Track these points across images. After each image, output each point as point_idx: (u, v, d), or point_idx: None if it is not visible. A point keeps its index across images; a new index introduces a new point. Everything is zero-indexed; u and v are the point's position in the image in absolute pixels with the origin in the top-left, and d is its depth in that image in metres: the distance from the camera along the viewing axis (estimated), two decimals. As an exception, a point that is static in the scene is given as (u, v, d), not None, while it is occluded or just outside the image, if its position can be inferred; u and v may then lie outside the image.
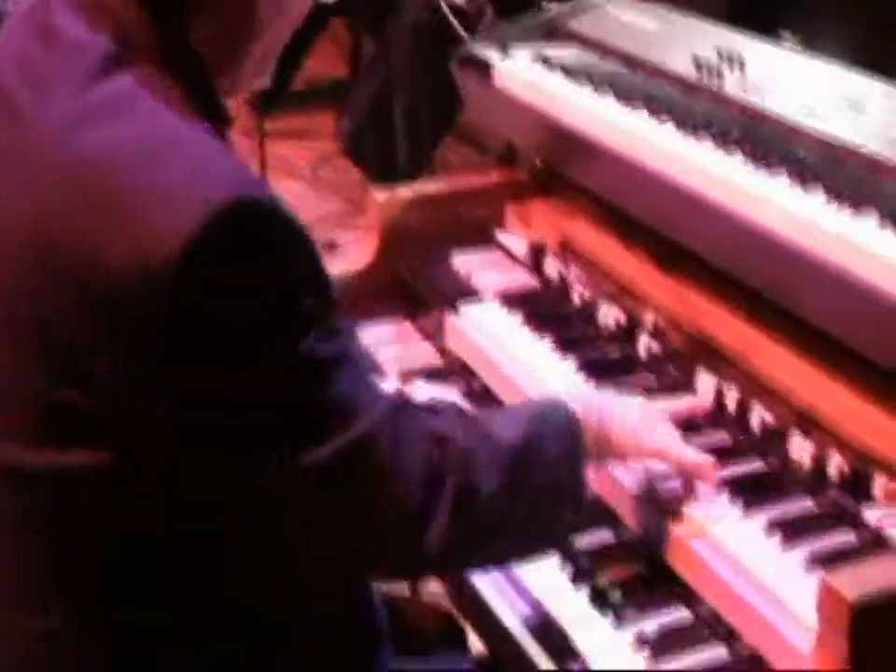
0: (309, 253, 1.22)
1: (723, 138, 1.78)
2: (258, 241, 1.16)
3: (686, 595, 1.46)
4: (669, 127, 1.85)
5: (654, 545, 1.50)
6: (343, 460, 1.22)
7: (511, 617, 1.52)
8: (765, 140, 1.78)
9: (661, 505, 1.50)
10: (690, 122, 1.86)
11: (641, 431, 1.48)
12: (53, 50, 1.21)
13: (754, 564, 1.37)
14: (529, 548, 1.45)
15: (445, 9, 4.22)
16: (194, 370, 1.16)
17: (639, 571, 1.53)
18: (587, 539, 1.59)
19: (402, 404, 1.34)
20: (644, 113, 1.91)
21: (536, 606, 1.52)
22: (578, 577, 1.53)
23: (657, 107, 1.92)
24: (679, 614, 1.46)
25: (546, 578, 1.55)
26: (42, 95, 1.20)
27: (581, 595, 1.50)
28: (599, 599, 1.48)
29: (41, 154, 1.18)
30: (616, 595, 1.48)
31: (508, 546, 1.42)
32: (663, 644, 1.40)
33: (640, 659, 1.38)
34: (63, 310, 1.16)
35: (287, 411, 1.20)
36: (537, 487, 1.38)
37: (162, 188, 1.13)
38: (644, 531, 1.53)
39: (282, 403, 1.20)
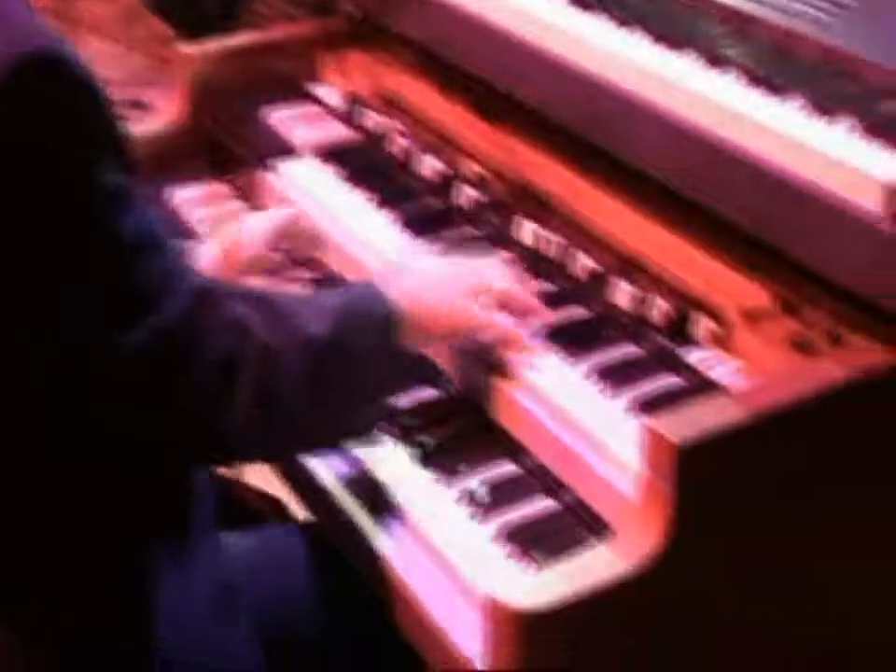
0: (108, 116, 1.13)
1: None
2: (52, 100, 1.08)
3: (513, 449, 1.39)
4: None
5: (476, 398, 1.44)
6: (143, 346, 1.16)
7: (329, 476, 1.43)
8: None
9: (481, 356, 1.44)
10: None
11: (453, 302, 1.41)
12: None
13: (578, 412, 1.32)
14: (343, 436, 1.39)
15: None
16: None
17: (464, 427, 1.45)
18: (409, 397, 1.50)
19: (207, 290, 1.25)
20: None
21: (355, 464, 1.43)
22: (401, 436, 1.44)
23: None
24: (506, 468, 1.39)
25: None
26: None
27: (404, 454, 1.42)
28: (423, 457, 1.41)
29: None
30: (439, 452, 1.41)
31: (319, 436, 1.37)
32: (491, 499, 1.33)
33: (465, 514, 1.32)
34: None
35: (84, 295, 1.13)
36: (347, 381, 1.32)
37: None
38: (465, 384, 1.47)
39: (79, 287, 1.13)
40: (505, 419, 1.40)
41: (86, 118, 1.11)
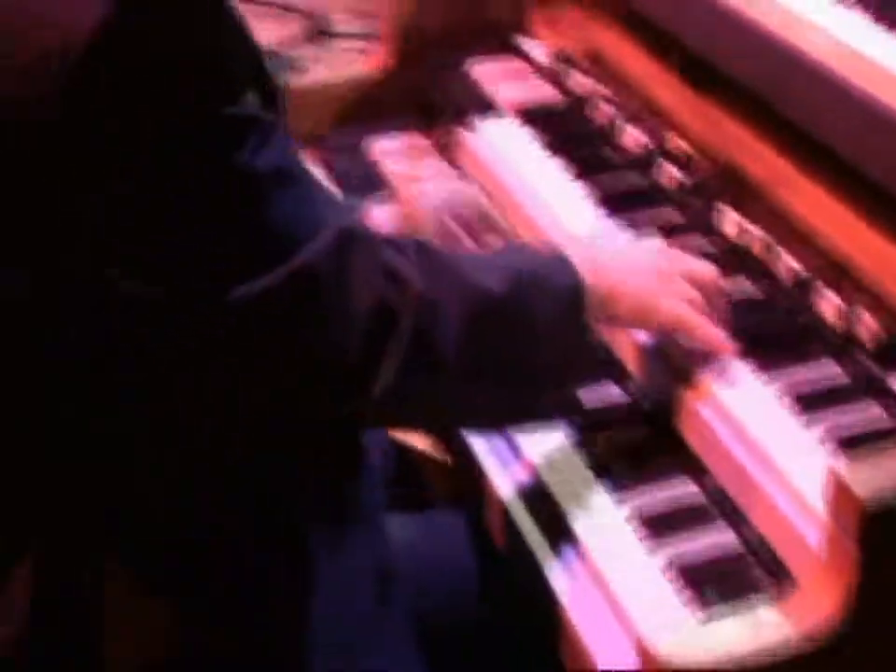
0: (241, 35, 1.02)
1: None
2: (173, 18, 0.96)
3: (695, 468, 1.25)
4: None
5: (661, 406, 1.31)
6: (277, 295, 1.02)
7: (505, 484, 1.31)
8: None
9: (671, 361, 1.31)
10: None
11: (656, 295, 1.26)
12: None
13: (765, 436, 1.18)
14: (508, 417, 1.26)
15: None
16: (107, 179, 0.97)
17: (645, 435, 1.32)
18: (589, 394, 1.37)
19: (356, 233, 1.10)
20: None
21: (529, 470, 1.31)
22: (577, 440, 1.31)
23: None
24: (686, 488, 1.24)
25: (543, 439, 1.33)
26: None
27: (579, 460, 1.29)
28: (598, 467, 1.28)
29: None
30: (617, 463, 1.28)
31: (476, 409, 1.23)
32: (663, 522, 1.20)
33: (636, 538, 1.19)
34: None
35: (213, 234, 1.00)
36: (518, 347, 1.18)
37: None
38: (650, 389, 1.34)
39: (208, 226, 1.00)
40: (687, 432, 1.27)
41: (215, 47, 0.99)
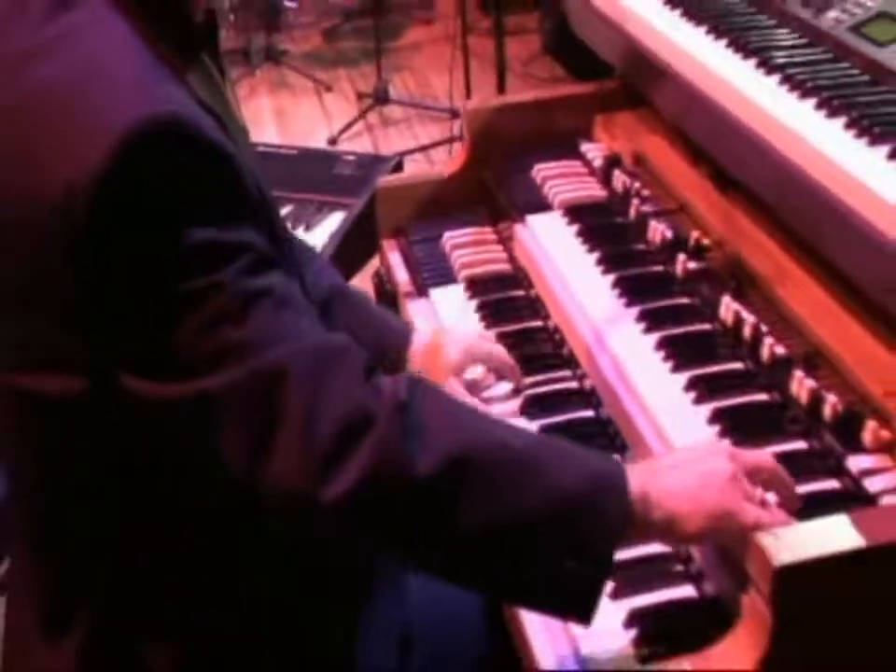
0: (234, 180, 1.04)
1: (768, 59, 1.53)
2: (172, 164, 1.00)
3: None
4: (724, 50, 1.60)
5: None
6: (249, 388, 1.01)
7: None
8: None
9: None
10: (748, 44, 1.61)
11: (728, 512, 1.05)
12: None
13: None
14: (488, 575, 1.07)
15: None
16: (111, 292, 1.02)
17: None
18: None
19: (340, 348, 1.06)
20: (703, 33, 1.65)
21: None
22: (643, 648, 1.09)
23: (721, 30, 1.67)
24: None
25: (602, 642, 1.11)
26: (2, 30, 1.09)
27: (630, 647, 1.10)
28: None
29: None
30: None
31: (447, 552, 1.06)
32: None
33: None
34: (11, 236, 1.05)
35: (194, 339, 1.01)
36: (517, 510, 1.02)
37: (89, 112, 1.00)
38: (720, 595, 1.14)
39: (191, 330, 1.01)
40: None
41: (204, 179, 1.02)
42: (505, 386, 1.56)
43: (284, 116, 4.85)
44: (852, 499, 1.15)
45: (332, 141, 4.53)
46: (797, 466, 1.20)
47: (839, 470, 1.19)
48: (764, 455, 1.15)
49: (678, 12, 1.80)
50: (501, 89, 2.78)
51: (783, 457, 1.21)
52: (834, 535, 0.99)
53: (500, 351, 1.55)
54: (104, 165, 0.97)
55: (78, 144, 0.99)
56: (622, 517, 1.03)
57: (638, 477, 1.06)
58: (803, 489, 1.17)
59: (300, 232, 2.21)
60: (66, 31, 1.05)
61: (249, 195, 1.07)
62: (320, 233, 2.17)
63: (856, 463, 1.19)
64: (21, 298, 1.07)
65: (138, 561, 1.16)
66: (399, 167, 2.39)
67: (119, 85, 1.01)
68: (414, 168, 4.07)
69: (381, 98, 4.71)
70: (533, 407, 1.50)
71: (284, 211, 2.26)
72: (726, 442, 1.22)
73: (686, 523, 1.05)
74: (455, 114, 4.32)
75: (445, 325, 1.70)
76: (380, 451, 1.01)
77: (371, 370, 1.07)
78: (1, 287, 1.09)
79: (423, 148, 4.38)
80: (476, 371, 1.56)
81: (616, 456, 1.32)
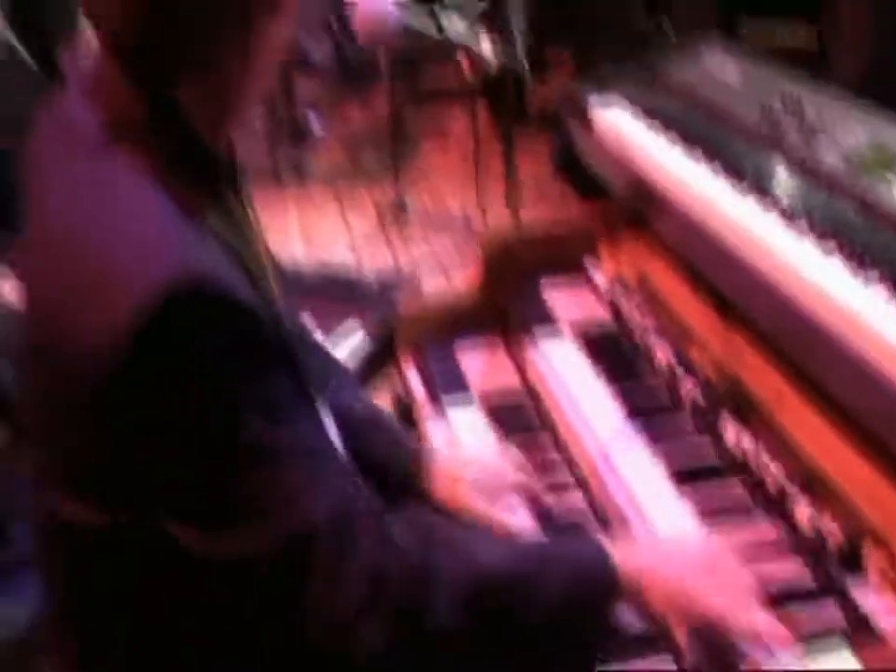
0: (254, 336, 1.05)
1: (766, 195, 1.57)
2: (199, 324, 1.01)
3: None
4: (724, 183, 1.65)
5: None
6: (276, 555, 1.04)
7: None
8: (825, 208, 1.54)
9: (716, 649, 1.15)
10: (749, 180, 1.65)
11: (695, 585, 1.13)
12: (57, 130, 1.13)
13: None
14: None
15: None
16: (144, 443, 1.04)
17: None
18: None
19: (355, 507, 1.09)
20: (703, 166, 1.70)
21: None
22: None
23: (718, 160, 1.71)
24: None
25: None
26: (43, 175, 1.13)
27: None
28: None
29: (36, 235, 1.12)
30: None
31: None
32: None
33: None
34: (51, 380, 1.08)
35: (222, 495, 1.04)
36: (519, 625, 1.09)
37: (115, 274, 1.01)
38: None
39: (218, 486, 1.04)
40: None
41: (231, 343, 1.03)
42: (519, 499, 1.56)
43: (308, 229, 4.94)
44: (853, 628, 1.14)
45: (353, 252, 4.60)
46: (799, 594, 1.21)
47: (840, 597, 1.19)
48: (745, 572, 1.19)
49: (679, 146, 1.85)
50: (514, 210, 2.84)
51: (785, 588, 1.21)
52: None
53: (515, 467, 1.56)
54: (129, 328, 0.99)
55: (105, 306, 1.01)
56: (611, 609, 1.12)
57: (628, 563, 1.13)
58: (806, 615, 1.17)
59: (320, 347, 2.25)
60: (95, 181, 1.07)
61: (273, 345, 1.08)
62: (341, 350, 2.20)
63: (857, 591, 1.19)
64: (69, 431, 1.09)
65: (162, 618, 1.16)
66: (416, 285, 2.43)
67: (146, 246, 1.03)
68: (430, 279, 4.14)
69: (399, 211, 4.81)
70: (545, 520, 1.50)
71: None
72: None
73: (649, 588, 1.13)
74: (469, 227, 4.40)
75: (461, 440, 1.72)
76: (398, 613, 1.07)
77: (388, 522, 1.11)
78: (53, 418, 1.10)
79: (438, 259, 4.45)
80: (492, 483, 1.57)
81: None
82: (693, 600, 1.13)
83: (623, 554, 1.14)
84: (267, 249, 1.32)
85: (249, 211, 1.28)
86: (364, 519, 1.09)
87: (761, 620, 1.13)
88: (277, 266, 1.35)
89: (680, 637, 1.17)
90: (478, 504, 1.50)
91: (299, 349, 1.18)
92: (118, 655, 1.19)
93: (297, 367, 1.14)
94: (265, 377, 1.06)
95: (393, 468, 1.50)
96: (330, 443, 1.15)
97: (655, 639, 1.20)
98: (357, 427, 1.50)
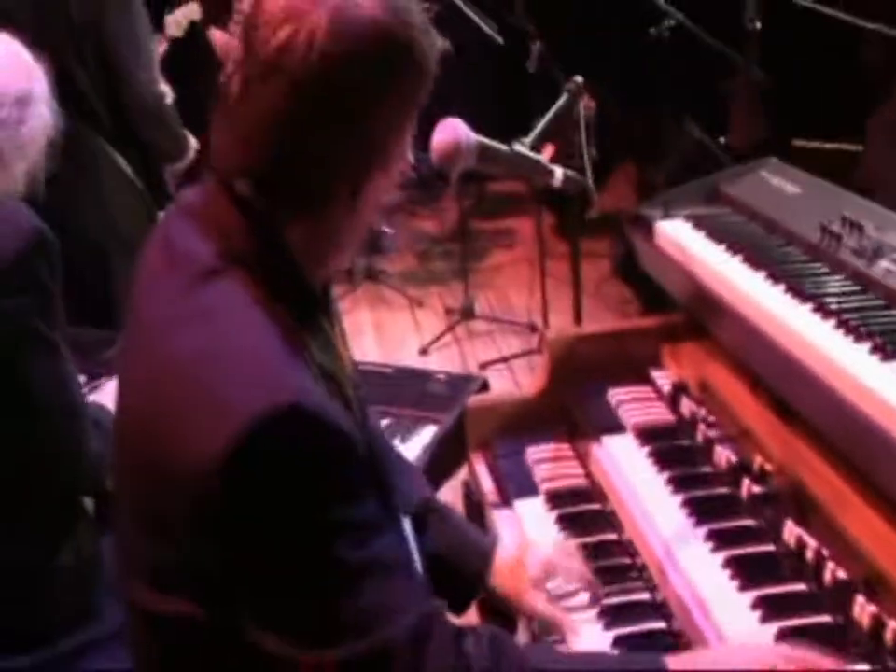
0: (347, 460, 1.10)
1: (823, 306, 1.61)
2: (291, 446, 1.06)
3: None
4: (783, 294, 1.70)
5: None
6: (358, 666, 1.08)
7: None
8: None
9: None
10: (805, 289, 1.70)
11: None
12: (166, 258, 1.20)
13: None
14: None
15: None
16: (233, 557, 1.09)
17: None
18: None
19: (435, 622, 1.14)
20: (763, 277, 1.75)
21: None
22: None
23: (777, 272, 1.76)
24: None
25: None
26: (152, 298, 1.19)
27: None
28: None
29: (144, 350, 1.18)
30: None
31: None
32: None
33: None
34: (151, 483, 1.13)
35: (310, 607, 1.09)
36: None
37: (215, 394, 1.08)
38: None
39: (306, 599, 1.09)
40: None
41: (327, 464, 1.08)
42: (583, 597, 1.59)
43: (381, 328, 5.04)
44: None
45: (423, 351, 4.68)
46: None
47: (901, 695, 1.19)
48: (823, 659, 1.20)
49: (738, 258, 1.90)
50: (577, 314, 2.89)
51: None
52: None
53: (579, 566, 1.59)
54: (229, 450, 1.04)
55: (207, 426, 1.06)
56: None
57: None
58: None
59: (395, 444, 2.29)
60: (206, 304, 1.13)
61: (364, 469, 1.12)
62: (414, 446, 2.25)
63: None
64: (168, 538, 1.13)
65: None
66: (485, 386, 2.49)
67: (252, 370, 1.08)
68: (497, 377, 4.19)
69: (467, 313, 4.90)
70: (609, 617, 1.53)
71: (381, 424, 2.35)
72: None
73: None
74: (533, 328, 4.48)
75: (527, 537, 1.75)
76: None
77: (461, 635, 1.15)
78: (155, 517, 1.14)
79: (504, 360, 4.51)
80: (557, 582, 1.60)
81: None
82: None
83: (680, 662, 1.16)
84: (353, 363, 1.37)
85: (338, 328, 1.33)
86: (440, 634, 1.13)
87: None
88: (358, 375, 1.40)
89: None
90: (540, 602, 1.53)
91: (387, 466, 1.23)
92: None
93: (386, 486, 1.18)
94: (358, 499, 1.10)
95: (463, 565, 1.53)
96: (411, 559, 1.19)
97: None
98: (430, 521, 1.55)
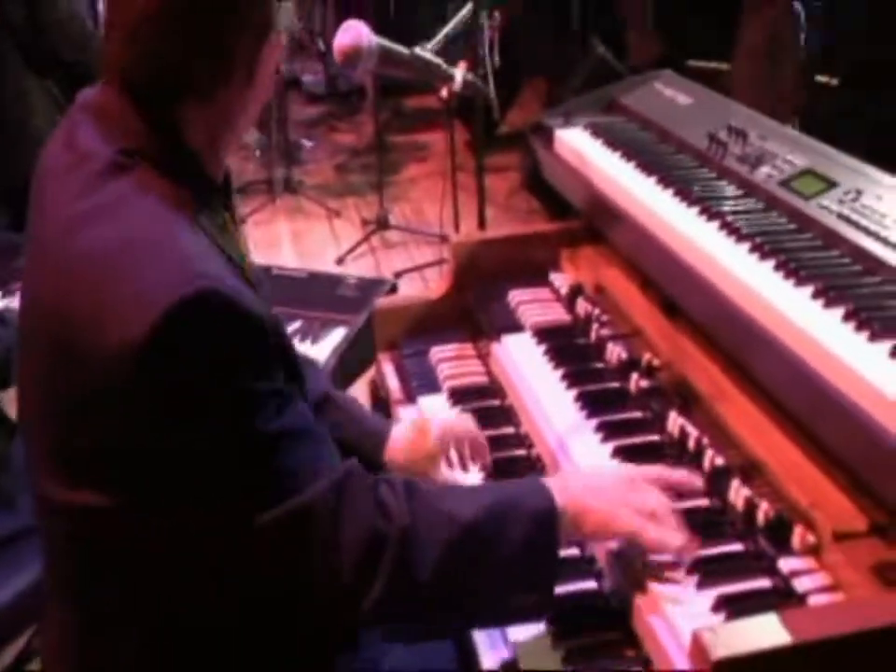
0: (260, 340, 1.08)
1: (709, 207, 1.57)
2: (210, 329, 1.04)
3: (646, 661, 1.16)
4: (672, 198, 1.65)
5: (623, 606, 1.22)
6: (281, 529, 1.07)
7: (491, 659, 1.25)
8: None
9: (631, 570, 1.23)
10: (692, 194, 1.66)
11: (615, 513, 1.20)
12: (71, 156, 1.14)
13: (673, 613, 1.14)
14: (485, 622, 1.22)
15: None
16: (154, 435, 1.06)
17: (613, 631, 1.21)
18: (572, 587, 1.27)
19: (351, 478, 1.13)
20: (653, 182, 1.70)
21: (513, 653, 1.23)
22: (559, 634, 1.21)
23: (666, 177, 1.71)
24: None
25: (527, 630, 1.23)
26: (56, 195, 1.14)
27: (552, 653, 1.20)
28: (565, 658, 1.19)
29: (50, 245, 1.12)
30: (582, 656, 1.18)
31: (458, 619, 1.19)
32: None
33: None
34: (67, 374, 1.08)
35: (232, 478, 1.07)
36: (489, 569, 1.14)
37: (133, 283, 1.04)
38: (615, 591, 1.26)
39: (228, 472, 1.07)
40: (641, 634, 1.19)
41: (241, 346, 1.06)
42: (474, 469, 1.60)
43: (299, 238, 4.92)
44: (783, 597, 1.15)
45: (340, 260, 4.59)
46: (733, 566, 1.21)
47: (771, 571, 1.19)
48: (672, 471, 1.29)
49: (632, 164, 1.86)
50: (482, 221, 2.83)
51: (720, 559, 1.22)
52: (765, 632, 0.98)
53: (475, 429, 1.59)
54: (148, 334, 1.01)
55: (126, 313, 1.03)
56: (555, 546, 1.17)
57: (563, 498, 1.19)
58: (739, 587, 1.17)
59: (307, 345, 2.23)
60: (112, 198, 1.08)
61: (274, 346, 1.11)
62: (324, 347, 2.19)
63: (786, 564, 1.19)
64: (82, 425, 1.09)
65: (161, 601, 1.16)
66: (394, 289, 2.42)
67: (161, 258, 1.05)
68: (410, 286, 4.12)
69: (382, 224, 4.81)
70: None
71: (293, 326, 2.28)
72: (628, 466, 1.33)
73: (581, 520, 1.19)
74: (444, 239, 4.40)
75: (424, 413, 1.73)
76: (394, 568, 1.11)
77: (375, 486, 1.15)
78: (71, 406, 1.10)
79: (417, 268, 4.45)
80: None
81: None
82: (612, 523, 1.20)
83: (557, 490, 1.19)
84: (250, 258, 1.31)
85: (238, 225, 1.29)
86: (357, 490, 1.12)
87: (670, 536, 1.20)
88: (261, 273, 1.36)
89: (602, 558, 1.27)
90: (440, 470, 1.53)
91: (293, 350, 1.20)
92: (114, 632, 1.18)
93: (292, 362, 1.16)
94: (270, 374, 1.09)
95: (360, 447, 1.51)
96: (321, 425, 1.17)
97: (579, 563, 1.31)
98: (327, 409, 1.54)
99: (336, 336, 2.22)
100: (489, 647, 1.27)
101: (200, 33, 1.10)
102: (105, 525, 1.12)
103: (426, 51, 1.58)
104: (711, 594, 1.16)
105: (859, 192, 1.51)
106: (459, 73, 1.61)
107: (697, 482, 1.31)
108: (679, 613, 1.15)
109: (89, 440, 1.09)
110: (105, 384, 1.05)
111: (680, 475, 1.30)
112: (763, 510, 1.25)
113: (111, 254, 1.06)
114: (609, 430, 1.52)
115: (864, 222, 1.45)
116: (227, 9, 1.11)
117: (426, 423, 1.58)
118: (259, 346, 1.09)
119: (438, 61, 1.57)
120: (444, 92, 3.50)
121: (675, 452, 1.44)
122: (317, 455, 1.12)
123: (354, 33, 1.50)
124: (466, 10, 1.90)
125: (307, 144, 5.72)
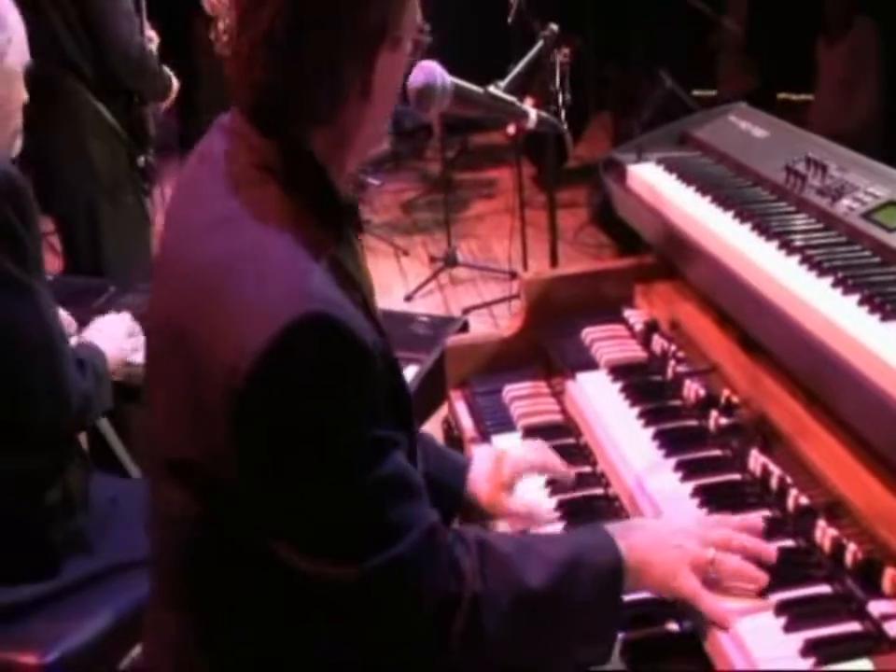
0: (367, 377, 1.08)
1: (788, 241, 1.57)
2: (323, 358, 1.04)
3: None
4: (749, 233, 1.65)
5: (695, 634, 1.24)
6: (376, 579, 1.09)
7: None
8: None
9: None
10: (770, 227, 1.66)
11: (676, 570, 1.22)
12: (203, 168, 1.18)
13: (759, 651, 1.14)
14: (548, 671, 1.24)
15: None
16: (253, 464, 1.07)
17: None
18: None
19: (435, 535, 1.14)
20: (730, 217, 1.70)
21: None
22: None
23: (744, 211, 1.72)
24: None
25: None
26: (188, 203, 1.18)
27: None
28: None
29: (178, 253, 1.16)
30: None
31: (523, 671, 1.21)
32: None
33: None
34: (184, 383, 1.11)
35: (330, 526, 1.08)
36: (557, 629, 1.19)
37: (250, 300, 1.06)
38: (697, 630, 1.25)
39: (325, 518, 1.08)
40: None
41: (351, 379, 1.06)
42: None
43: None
44: (874, 642, 1.13)
45: (408, 298, 4.65)
46: (821, 608, 1.20)
47: (861, 614, 1.17)
48: (743, 520, 1.30)
49: (707, 199, 1.86)
50: (554, 258, 2.86)
51: (808, 601, 1.21)
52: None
53: (551, 455, 1.61)
54: (262, 353, 1.02)
55: (243, 329, 1.04)
56: (620, 601, 1.21)
57: (628, 551, 1.21)
58: (828, 631, 1.16)
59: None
60: (239, 211, 1.10)
61: (381, 386, 1.10)
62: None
63: (877, 607, 1.17)
64: (195, 431, 1.11)
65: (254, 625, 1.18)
66: (465, 327, 2.45)
67: (282, 276, 1.06)
68: (478, 322, 4.16)
69: (450, 261, 4.86)
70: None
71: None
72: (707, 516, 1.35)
73: (644, 575, 1.22)
74: (513, 275, 4.44)
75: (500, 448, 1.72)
76: (465, 630, 1.14)
77: (454, 547, 1.16)
78: (189, 411, 1.11)
79: (485, 305, 4.48)
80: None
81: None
82: (672, 581, 1.22)
83: (623, 543, 1.21)
84: (370, 281, 1.33)
85: (360, 245, 1.31)
86: (437, 543, 1.13)
87: (716, 608, 1.20)
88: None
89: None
90: (512, 501, 1.55)
91: (403, 377, 1.21)
92: (214, 648, 1.20)
93: (403, 397, 1.17)
94: (373, 413, 1.09)
95: (445, 482, 1.53)
96: (416, 474, 1.17)
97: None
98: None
99: (408, 374, 2.25)
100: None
101: (309, 60, 1.09)
102: (199, 534, 1.15)
103: (499, 90, 1.61)
104: (799, 637, 1.15)
105: (945, 224, 1.50)
106: (533, 110, 1.64)
107: (758, 523, 1.30)
108: (766, 659, 1.14)
109: (192, 447, 1.11)
110: (219, 393, 1.06)
111: (740, 518, 1.31)
112: (852, 550, 1.23)
113: (231, 265, 1.08)
114: (688, 469, 1.51)
115: (951, 254, 1.44)
116: (329, 27, 1.09)
117: (501, 454, 1.59)
118: (366, 385, 1.07)
119: (512, 99, 1.61)
120: (511, 129, 3.54)
121: (757, 491, 1.43)
122: (413, 506, 1.13)
123: (428, 72, 1.54)
124: (538, 47, 1.93)
125: (374, 182, 5.82)
